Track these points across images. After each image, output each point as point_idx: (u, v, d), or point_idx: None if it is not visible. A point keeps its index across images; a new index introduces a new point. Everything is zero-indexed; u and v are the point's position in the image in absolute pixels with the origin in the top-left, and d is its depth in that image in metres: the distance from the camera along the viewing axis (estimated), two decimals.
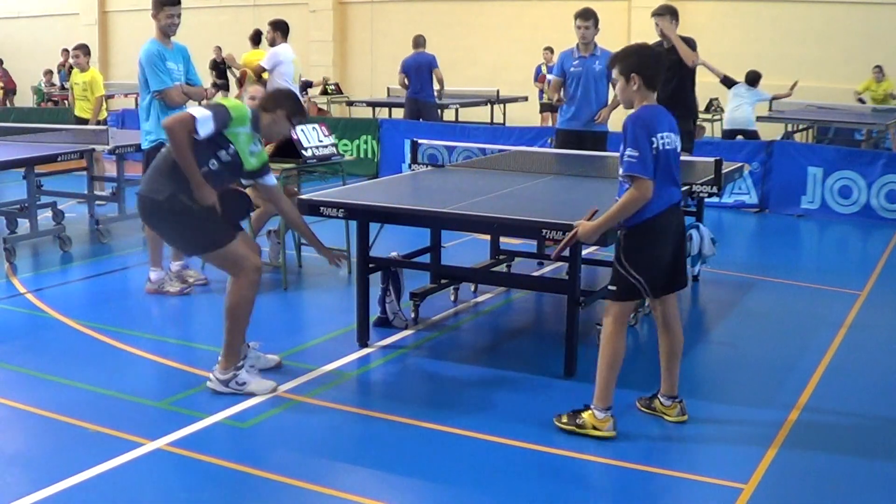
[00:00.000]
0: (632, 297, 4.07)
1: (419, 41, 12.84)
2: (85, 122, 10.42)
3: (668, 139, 3.97)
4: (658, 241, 4.01)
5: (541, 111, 15.90)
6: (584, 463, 3.89)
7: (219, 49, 17.39)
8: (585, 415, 4.11)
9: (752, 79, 12.13)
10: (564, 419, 4.16)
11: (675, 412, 4.30)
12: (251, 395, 4.54)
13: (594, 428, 4.07)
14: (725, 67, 12.12)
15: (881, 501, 3.67)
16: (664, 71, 4.15)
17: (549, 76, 15.83)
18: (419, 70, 12.54)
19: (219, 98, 4.41)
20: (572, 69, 7.67)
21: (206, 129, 4.39)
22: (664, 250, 4.04)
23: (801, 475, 3.84)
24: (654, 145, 3.88)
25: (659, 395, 4.36)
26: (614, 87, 7.67)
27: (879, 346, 5.65)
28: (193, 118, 4.36)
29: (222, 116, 4.46)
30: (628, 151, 3.89)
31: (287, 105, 4.65)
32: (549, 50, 16.01)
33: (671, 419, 4.30)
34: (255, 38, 13.12)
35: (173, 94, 6.19)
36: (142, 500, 3.57)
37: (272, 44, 9.17)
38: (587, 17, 7.69)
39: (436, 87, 12.78)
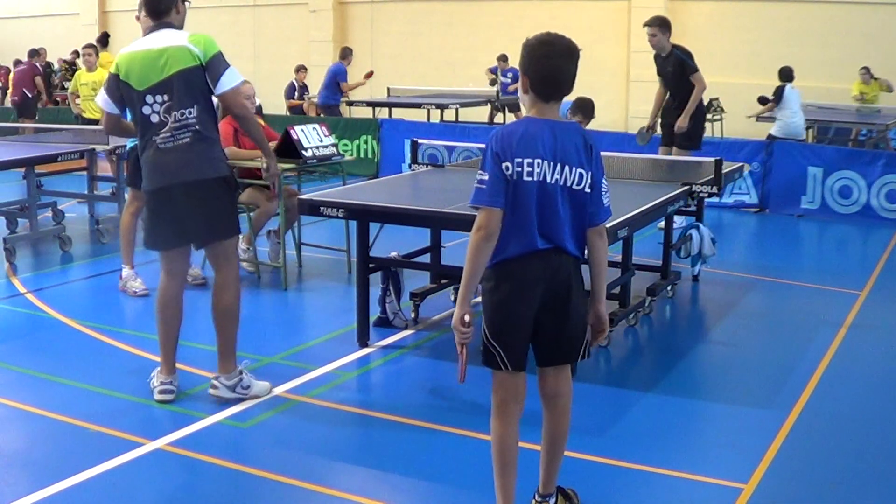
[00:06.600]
0: (492, 363, 3.17)
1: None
2: (95, 123, 10.39)
3: (540, 168, 2.98)
4: (511, 292, 3.08)
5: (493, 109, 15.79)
6: (584, 463, 3.89)
7: None
8: None
9: (790, 75, 11.36)
10: None
11: None
12: (255, 398, 4.50)
13: None
14: (724, 67, 11.98)
15: (881, 501, 3.66)
16: (570, 77, 3.01)
17: (502, 79, 15.87)
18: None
19: (188, 38, 3.98)
20: None
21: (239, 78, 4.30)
22: (520, 306, 3.10)
23: (801, 475, 3.84)
24: (509, 172, 2.97)
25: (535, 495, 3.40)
26: None
27: (879, 346, 5.66)
28: (238, 86, 4.27)
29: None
30: (477, 175, 3.04)
31: None
32: (504, 59, 15.81)
33: None
34: (103, 40, 14.71)
35: None
36: (142, 500, 3.56)
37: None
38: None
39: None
